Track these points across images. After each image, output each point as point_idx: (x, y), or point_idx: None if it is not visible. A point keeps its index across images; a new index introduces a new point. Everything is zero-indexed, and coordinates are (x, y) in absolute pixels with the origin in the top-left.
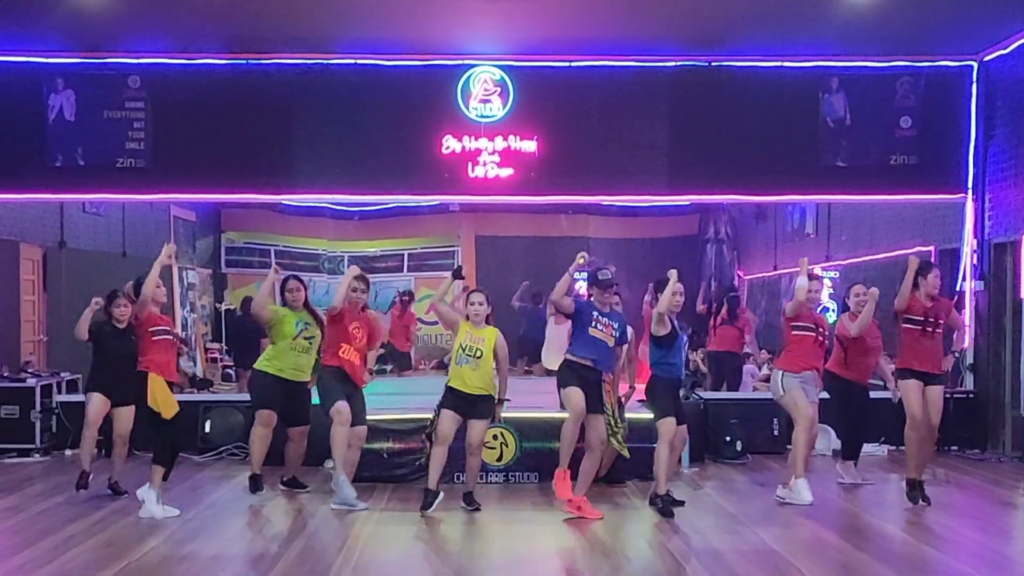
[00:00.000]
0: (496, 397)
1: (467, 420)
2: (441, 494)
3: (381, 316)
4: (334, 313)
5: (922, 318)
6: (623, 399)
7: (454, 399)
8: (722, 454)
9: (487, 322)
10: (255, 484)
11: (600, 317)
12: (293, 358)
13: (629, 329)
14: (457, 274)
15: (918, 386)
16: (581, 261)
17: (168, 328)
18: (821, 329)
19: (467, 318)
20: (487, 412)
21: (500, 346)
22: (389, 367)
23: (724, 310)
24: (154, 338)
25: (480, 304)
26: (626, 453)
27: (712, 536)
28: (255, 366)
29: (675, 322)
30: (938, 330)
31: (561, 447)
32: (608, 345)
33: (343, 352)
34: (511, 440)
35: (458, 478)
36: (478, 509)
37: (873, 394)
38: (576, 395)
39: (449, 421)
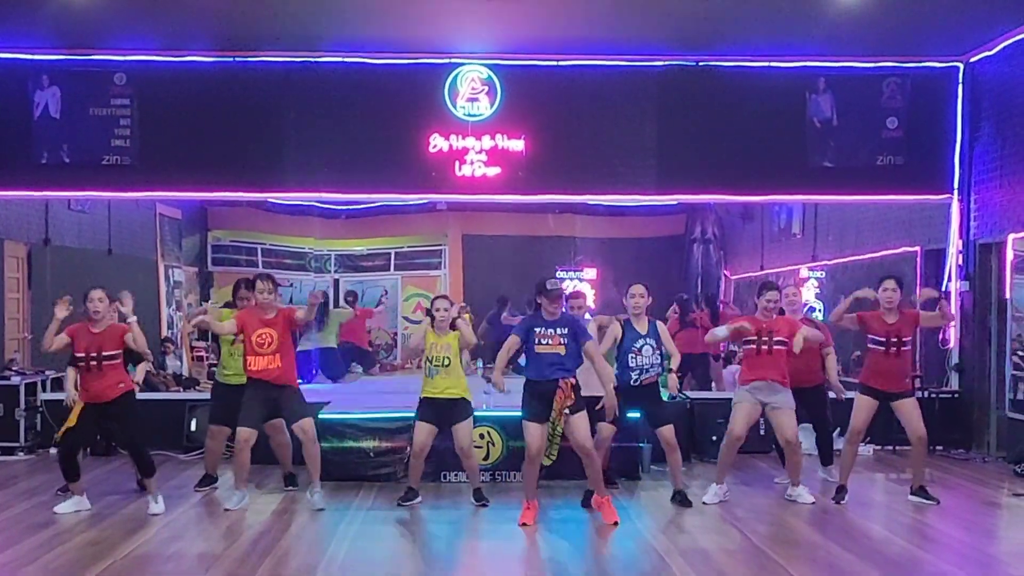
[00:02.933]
0: (469, 400)
1: (449, 427)
2: (419, 497)
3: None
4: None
5: (883, 338)
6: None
7: (429, 409)
8: (708, 453)
9: (451, 327)
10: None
11: (543, 331)
12: (235, 362)
13: (595, 323)
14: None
15: (869, 404)
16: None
17: (86, 354)
18: (765, 338)
19: (431, 325)
20: (465, 414)
21: (465, 343)
22: (360, 368)
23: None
24: (78, 363)
25: (445, 310)
26: (545, 460)
27: (699, 535)
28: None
29: (628, 327)
30: (903, 348)
31: (524, 483)
32: (560, 354)
33: (252, 364)
34: (498, 439)
35: (445, 477)
36: (485, 504)
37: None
38: (532, 433)
39: (424, 432)
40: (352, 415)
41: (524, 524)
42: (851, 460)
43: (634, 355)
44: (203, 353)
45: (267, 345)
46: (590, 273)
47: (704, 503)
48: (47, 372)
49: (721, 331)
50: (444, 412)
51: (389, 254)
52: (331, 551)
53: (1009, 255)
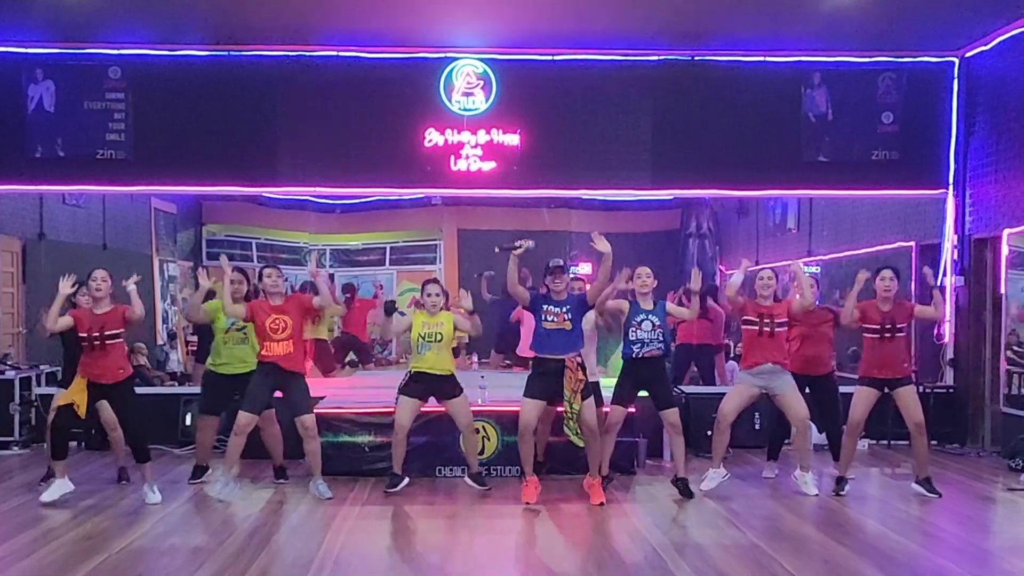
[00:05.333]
0: (456, 377)
1: (444, 404)
2: (407, 479)
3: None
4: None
5: (878, 325)
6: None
7: (417, 384)
8: (704, 448)
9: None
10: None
11: (550, 308)
12: (228, 351)
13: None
14: (390, 309)
15: (869, 395)
16: (523, 246)
17: (88, 333)
18: (767, 319)
19: (422, 307)
20: (456, 389)
21: (459, 321)
22: (353, 358)
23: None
24: (82, 344)
25: (436, 295)
26: (578, 442)
27: (694, 530)
28: (206, 365)
29: (633, 304)
30: (897, 335)
31: (521, 459)
32: (566, 330)
33: (266, 350)
34: (493, 434)
35: (440, 471)
36: (489, 489)
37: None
38: (526, 408)
39: (407, 408)
40: (347, 409)
41: (528, 504)
42: (851, 452)
43: (634, 328)
44: (197, 348)
45: (280, 331)
46: (585, 268)
47: (702, 489)
48: (42, 367)
49: (737, 277)
50: (433, 387)
51: (384, 249)
52: (326, 546)
53: (1004, 250)
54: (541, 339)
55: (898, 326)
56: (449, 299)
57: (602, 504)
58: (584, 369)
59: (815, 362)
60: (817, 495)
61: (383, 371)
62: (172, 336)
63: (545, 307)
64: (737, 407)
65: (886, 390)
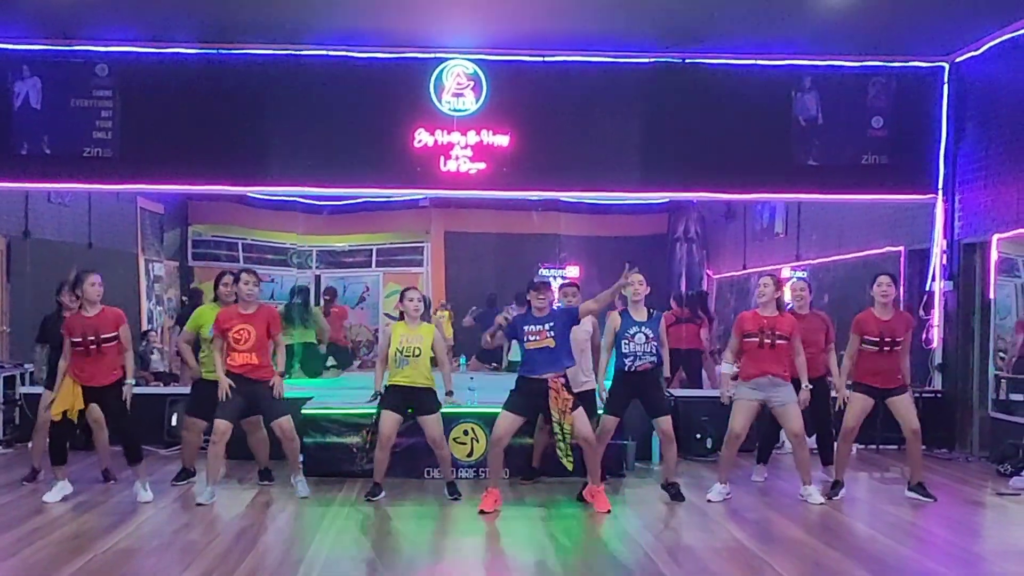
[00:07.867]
0: (436, 390)
1: (416, 418)
2: (384, 492)
3: (349, 311)
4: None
5: (877, 337)
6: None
7: (395, 396)
8: (693, 451)
9: (421, 319)
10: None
11: (532, 327)
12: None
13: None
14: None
15: (863, 401)
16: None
17: (83, 338)
18: (767, 332)
19: (401, 316)
20: (433, 405)
21: (438, 341)
22: (333, 363)
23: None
24: (76, 349)
25: (417, 300)
26: (568, 465)
27: (684, 532)
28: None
29: (625, 316)
30: (896, 348)
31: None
32: (550, 347)
33: (231, 359)
34: (482, 436)
35: (428, 473)
36: (457, 498)
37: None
38: (503, 421)
39: (390, 421)
40: (335, 411)
41: (482, 511)
42: (845, 456)
43: (627, 341)
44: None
45: (244, 341)
46: (573, 271)
47: (708, 500)
48: (26, 365)
49: (726, 367)
50: (410, 401)
51: (371, 250)
52: (314, 547)
53: (993, 255)
54: (525, 359)
55: (896, 339)
56: (431, 307)
57: (609, 511)
58: (569, 388)
59: (808, 367)
60: (824, 503)
61: (370, 372)
62: (144, 334)
63: (526, 328)
64: (745, 424)
65: (880, 398)
